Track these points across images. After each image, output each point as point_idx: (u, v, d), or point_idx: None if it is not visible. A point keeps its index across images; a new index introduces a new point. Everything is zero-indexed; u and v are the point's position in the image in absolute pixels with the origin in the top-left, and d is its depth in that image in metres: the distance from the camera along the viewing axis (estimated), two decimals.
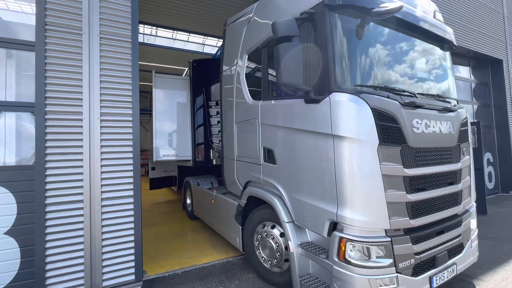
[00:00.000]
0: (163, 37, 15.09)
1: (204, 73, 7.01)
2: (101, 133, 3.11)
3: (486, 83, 9.77)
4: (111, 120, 3.17)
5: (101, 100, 3.14)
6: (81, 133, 3.02)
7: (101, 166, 3.08)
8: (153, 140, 6.36)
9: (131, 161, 3.23)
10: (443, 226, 2.60)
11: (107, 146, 3.13)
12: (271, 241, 3.10)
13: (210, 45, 15.69)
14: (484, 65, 9.67)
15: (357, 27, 2.44)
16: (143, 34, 14.75)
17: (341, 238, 2.22)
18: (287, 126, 2.79)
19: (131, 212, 3.19)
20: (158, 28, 13.85)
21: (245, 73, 3.76)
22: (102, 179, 3.07)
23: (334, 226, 2.34)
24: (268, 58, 3.23)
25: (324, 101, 2.35)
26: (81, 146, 3.01)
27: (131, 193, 3.20)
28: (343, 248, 2.20)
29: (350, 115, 2.21)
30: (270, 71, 3.20)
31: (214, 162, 6.71)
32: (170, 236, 5.41)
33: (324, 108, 2.34)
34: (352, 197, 2.17)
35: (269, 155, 3.10)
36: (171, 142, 6.68)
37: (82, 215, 2.95)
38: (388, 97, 2.34)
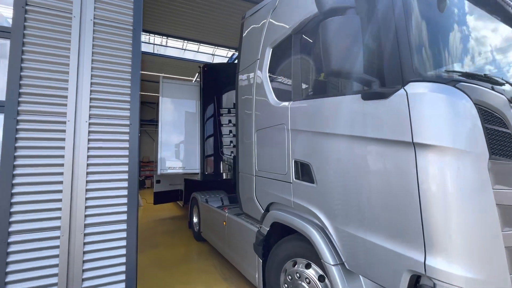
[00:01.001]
0: (173, 47, 14.77)
1: (215, 79, 6.39)
2: (89, 140, 2.42)
3: None
4: (102, 124, 2.49)
5: (91, 99, 2.47)
6: (63, 139, 2.34)
7: (87, 182, 2.37)
8: (158, 151, 5.69)
9: (125, 176, 2.52)
10: None
11: (96, 157, 2.44)
12: (305, 286, 2.30)
13: (220, 56, 15.29)
14: None
15: None
16: (153, 44, 14.47)
17: None
18: (331, 132, 2.06)
19: (123, 243, 2.44)
20: (169, 38, 13.55)
21: (268, 71, 3.08)
22: (87, 199, 2.36)
23: (417, 279, 1.55)
24: (302, 46, 2.54)
25: (396, 94, 1.61)
26: (62, 157, 2.31)
27: (123, 217, 2.47)
28: None
29: (444, 114, 1.46)
30: (306, 62, 2.50)
31: (225, 176, 5.98)
32: (174, 262, 4.61)
33: (397, 105, 1.60)
34: (450, 239, 1.39)
35: (304, 171, 2.35)
36: (177, 153, 6.00)
37: (57, 246, 2.22)
38: (492, 89, 1.60)
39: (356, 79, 1.78)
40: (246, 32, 3.78)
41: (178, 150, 6.09)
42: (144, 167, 21.05)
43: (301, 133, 2.39)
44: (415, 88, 1.55)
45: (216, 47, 14.17)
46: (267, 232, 2.82)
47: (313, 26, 2.34)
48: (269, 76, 3.05)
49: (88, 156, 2.40)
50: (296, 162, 2.45)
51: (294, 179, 2.46)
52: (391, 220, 1.62)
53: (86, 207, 2.34)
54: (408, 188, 1.53)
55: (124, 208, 2.48)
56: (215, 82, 6.36)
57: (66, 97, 2.39)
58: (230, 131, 6.12)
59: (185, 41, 13.82)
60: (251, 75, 3.36)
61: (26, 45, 2.32)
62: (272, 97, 2.91)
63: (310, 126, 2.28)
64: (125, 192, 2.50)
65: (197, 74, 6.97)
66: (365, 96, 1.79)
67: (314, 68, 2.42)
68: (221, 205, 5.05)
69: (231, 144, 6.10)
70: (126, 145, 2.55)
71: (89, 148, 2.41)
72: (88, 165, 2.39)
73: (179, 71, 16.25)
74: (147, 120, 22.75)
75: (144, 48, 14.49)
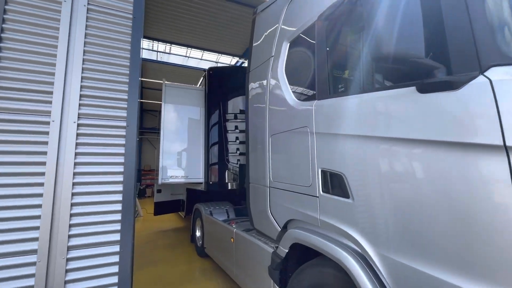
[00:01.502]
0: (177, 54, 14.57)
1: (221, 83, 6.05)
2: (77, 144, 2.02)
3: None
4: (94, 126, 2.10)
5: (81, 96, 2.09)
6: (46, 143, 1.94)
7: (73, 195, 1.96)
8: (159, 160, 5.29)
9: (120, 188, 2.11)
10: None
11: (85, 165, 2.03)
12: None
13: (224, 63, 15.09)
14: None
15: None
16: (157, 51, 14.27)
17: None
18: (374, 135, 1.65)
19: (115, 269, 2.00)
20: (172, 45, 13.35)
21: (285, 68, 2.70)
22: (72, 215, 1.94)
23: None
24: (330, 34, 2.16)
25: (472, 83, 1.21)
26: (43, 164, 1.91)
27: (116, 237, 2.04)
28: None
29: None
30: (336, 52, 2.12)
31: (230, 186, 5.55)
32: (174, 281, 4.14)
33: (474, 97, 1.20)
34: None
35: (335, 183, 1.94)
36: (180, 162, 5.60)
37: (33, 275, 1.79)
38: None
39: (412, 65, 1.38)
40: (257, 28, 3.43)
41: (180, 158, 5.69)
42: (145, 176, 20.65)
43: (331, 137, 1.99)
44: (503, 74, 1.15)
45: (220, 54, 14.00)
46: (286, 255, 2.38)
47: (347, 8, 1.97)
48: (287, 74, 2.68)
49: (76, 164, 1.99)
50: (323, 172, 2.03)
51: (321, 192, 2.04)
52: (467, 250, 1.20)
53: (71, 226, 1.92)
54: (494, 207, 1.11)
55: (117, 226, 2.05)
56: (221, 86, 6.02)
57: (51, 93, 2.00)
58: (237, 138, 5.74)
59: (188, 48, 13.65)
60: (265, 74, 2.99)
61: (6, 32, 1.96)
62: (290, 97, 2.52)
63: (343, 128, 1.88)
64: (118, 207, 2.08)
65: (201, 78, 6.63)
66: (423, 87, 1.39)
67: (348, 59, 2.04)
68: (227, 218, 4.61)
69: (238, 152, 5.71)
70: (122, 150, 2.15)
71: (76, 154, 2.01)
72: (75, 174, 1.98)
73: (182, 79, 16.02)
74: (149, 128, 22.51)
75: (147, 55, 14.30)
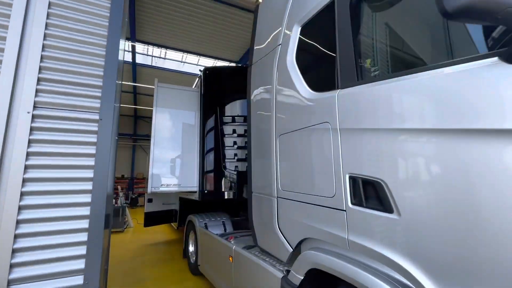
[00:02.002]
0: (172, 59, 14.17)
1: (218, 84, 5.61)
2: (30, 142, 1.52)
3: None
4: (54, 118, 1.60)
5: (39, 80, 1.60)
6: None
7: (20, 208, 1.44)
8: (149, 167, 4.76)
9: (87, 198, 1.59)
10: None
11: (40, 168, 1.53)
12: None
13: None
14: None
15: None
16: (152, 56, 13.85)
17: None
18: (432, 127, 1.19)
19: None
20: (168, 50, 12.96)
21: (296, 55, 2.26)
22: (17, 236, 1.42)
23: None
24: (354, 8, 1.73)
25: None
26: None
27: (79, 265, 1.51)
28: None
29: None
30: (365, 29, 1.69)
31: (227, 196, 5.02)
32: None
33: None
34: None
35: (369, 193, 1.47)
36: (172, 169, 5.07)
37: None
38: None
39: (500, 22, 0.94)
40: (261, 15, 3.01)
41: (173, 166, 5.17)
42: (138, 184, 19.93)
43: (363, 133, 1.53)
44: None
45: (216, 60, 13.65)
46: (301, 282, 1.88)
47: None
48: (298, 63, 2.23)
49: (27, 167, 1.49)
50: (353, 178, 1.56)
51: (350, 205, 1.57)
52: None
53: (15, 251, 1.40)
54: None
55: (82, 250, 1.53)
56: (218, 87, 5.58)
57: None
58: (235, 143, 5.27)
59: (184, 53, 13.26)
60: (270, 65, 2.54)
61: None
62: (304, 88, 2.07)
63: (382, 121, 1.42)
64: (84, 224, 1.57)
65: (197, 79, 6.19)
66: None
67: (387, 31, 1.61)
68: (223, 232, 4.09)
69: (235, 158, 5.22)
70: (92, 150, 1.66)
71: (29, 154, 1.51)
72: (25, 180, 1.48)
73: (177, 84, 15.54)
74: (142, 134, 21.90)
75: (142, 60, 13.85)
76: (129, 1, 9.34)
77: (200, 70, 5.90)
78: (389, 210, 1.35)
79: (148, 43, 12.03)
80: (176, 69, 14.38)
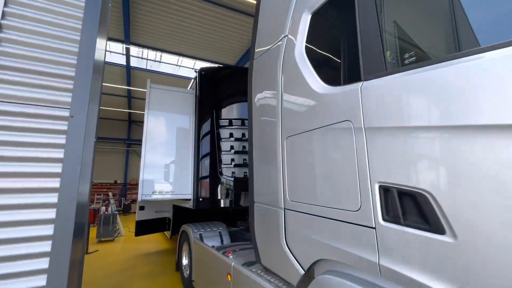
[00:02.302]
0: (168, 63, 13.86)
1: (215, 85, 5.31)
2: None
3: None
4: (12, 114, 1.28)
5: None
6: None
7: None
8: (140, 174, 4.40)
9: (51, 214, 1.26)
10: None
11: None
12: None
13: None
14: None
15: None
16: (147, 59, 13.52)
17: None
18: (499, 123, 0.90)
19: None
20: (163, 53, 12.64)
21: (306, 46, 1.97)
22: None
23: None
24: None
25: None
26: None
27: (40, 281, 1.18)
28: None
29: None
30: (399, 5, 1.40)
31: (223, 204, 4.67)
32: None
33: None
34: None
35: (408, 207, 1.16)
36: (165, 176, 4.70)
37: None
38: None
39: None
40: (264, 6, 2.72)
41: (166, 172, 4.80)
42: (131, 190, 19.37)
43: (397, 132, 1.22)
44: None
45: (212, 64, 13.38)
46: None
47: None
48: (308, 54, 1.94)
49: None
50: (385, 189, 1.26)
51: (381, 221, 1.26)
52: None
53: None
54: None
55: (41, 281, 1.19)
56: (215, 89, 5.27)
57: None
58: (231, 147, 4.95)
59: (180, 57, 12.97)
60: (275, 59, 2.25)
61: None
62: (316, 83, 1.77)
63: (425, 117, 1.12)
64: (46, 247, 1.22)
65: (192, 80, 5.88)
66: None
67: (420, 11, 1.32)
68: (220, 244, 3.73)
69: (232, 163, 4.89)
70: (60, 154, 1.32)
71: None
72: None
73: None
74: (136, 139, 21.39)
75: (136, 63, 13.52)
76: (123, 3, 9.06)
77: (195, 71, 5.60)
78: (439, 231, 1.04)
79: (143, 46, 11.72)
80: (172, 72, 14.06)
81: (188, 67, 13.94)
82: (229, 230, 4.23)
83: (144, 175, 4.40)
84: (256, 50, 2.62)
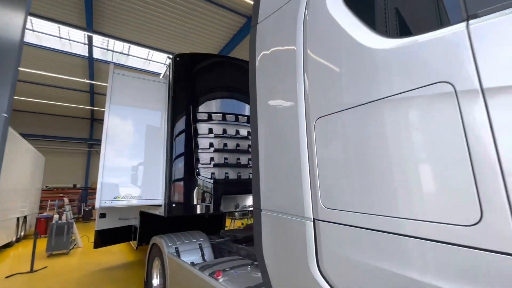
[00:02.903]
0: (137, 56, 12.64)
1: (192, 73, 4.58)
2: None
3: None
4: None
5: None
6: None
7: None
8: (99, 176, 3.51)
9: None
10: None
11: None
12: None
13: None
14: None
15: None
16: (113, 51, 12.17)
17: None
18: None
19: None
20: (132, 45, 11.42)
21: None
22: None
23: None
24: None
25: None
26: None
27: None
28: None
29: None
30: None
31: (199, 210, 3.93)
32: None
33: None
34: None
35: None
36: (131, 178, 3.86)
37: None
38: None
39: None
40: None
41: (132, 174, 3.94)
42: (93, 195, 17.46)
43: None
44: None
45: None
46: None
47: None
48: (348, 2, 1.36)
49: None
50: None
51: None
52: None
53: None
54: None
55: None
56: (192, 78, 4.54)
57: None
58: (211, 145, 4.24)
59: (151, 50, 11.83)
60: (293, 15, 1.64)
61: None
62: (369, 36, 1.20)
63: None
64: None
65: (165, 68, 5.08)
66: None
67: None
68: (201, 260, 3.00)
69: (212, 163, 4.19)
70: None
71: None
72: None
73: None
74: (100, 140, 19.40)
75: (100, 55, 12.09)
76: None
77: (169, 57, 4.79)
78: None
79: (108, 36, 10.45)
80: (141, 67, 12.86)
81: (160, 62, 12.86)
82: (211, 243, 3.50)
83: (104, 178, 3.53)
84: (261, 11, 1.98)
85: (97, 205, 3.34)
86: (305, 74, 1.48)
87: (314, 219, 1.32)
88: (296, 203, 1.40)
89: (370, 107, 1.13)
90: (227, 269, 2.36)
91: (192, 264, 2.73)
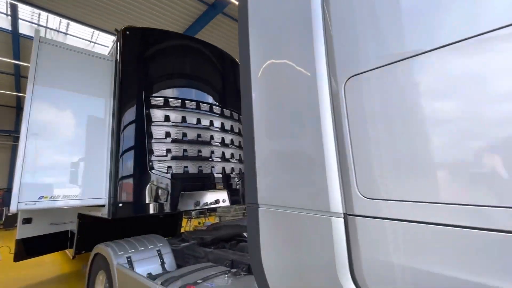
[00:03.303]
0: (78, 37, 10.86)
1: (145, 51, 3.88)
2: None
3: None
4: None
5: None
6: None
7: None
8: (16, 172, 2.61)
9: None
10: None
11: None
12: None
13: None
14: None
15: None
16: (46, 27, 10.20)
17: None
18: None
19: None
20: (72, 22, 9.68)
21: None
22: None
23: None
24: None
25: None
26: None
27: None
28: None
29: None
30: None
31: (152, 210, 3.29)
32: None
33: None
34: None
35: None
36: (65, 174, 3.05)
37: None
38: None
39: None
40: None
41: (71, 170, 3.15)
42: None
43: None
44: None
45: None
46: None
47: None
48: None
49: None
50: None
51: None
52: None
53: None
54: None
55: None
56: (146, 56, 3.84)
57: None
58: (168, 134, 3.62)
59: (96, 31, 10.21)
60: None
61: None
62: None
63: None
64: None
65: (112, 44, 4.22)
66: None
67: None
68: (162, 269, 2.40)
69: (169, 155, 3.58)
70: None
71: None
72: None
73: None
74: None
75: (29, 31, 10.01)
76: None
77: (116, 30, 3.96)
78: None
79: (39, 8, 8.66)
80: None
81: (107, 46, 11.27)
82: (172, 247, 2.89)
83: (26, 175, 2.65)
84: None
85: (13, 207, 2.47)
86: (327, 13, 1.06)
87: (345, 214, 0.92)
88: (317, 194, 0.98)
89: (433, 56, 0.76)
90: (199, 281, 1.83)
91: (150, 276, 2.13)
